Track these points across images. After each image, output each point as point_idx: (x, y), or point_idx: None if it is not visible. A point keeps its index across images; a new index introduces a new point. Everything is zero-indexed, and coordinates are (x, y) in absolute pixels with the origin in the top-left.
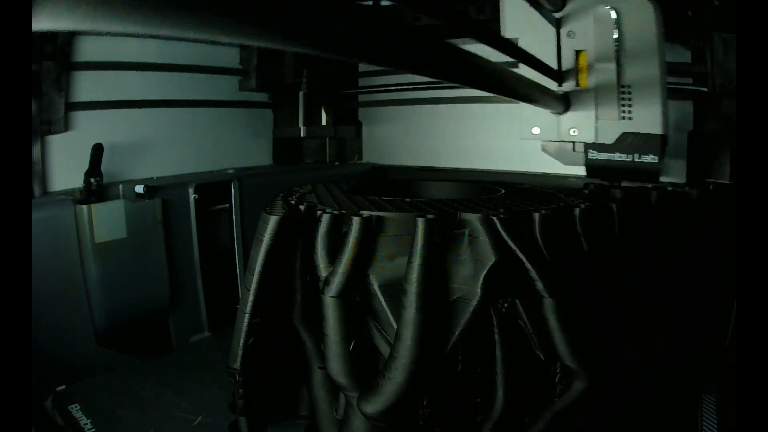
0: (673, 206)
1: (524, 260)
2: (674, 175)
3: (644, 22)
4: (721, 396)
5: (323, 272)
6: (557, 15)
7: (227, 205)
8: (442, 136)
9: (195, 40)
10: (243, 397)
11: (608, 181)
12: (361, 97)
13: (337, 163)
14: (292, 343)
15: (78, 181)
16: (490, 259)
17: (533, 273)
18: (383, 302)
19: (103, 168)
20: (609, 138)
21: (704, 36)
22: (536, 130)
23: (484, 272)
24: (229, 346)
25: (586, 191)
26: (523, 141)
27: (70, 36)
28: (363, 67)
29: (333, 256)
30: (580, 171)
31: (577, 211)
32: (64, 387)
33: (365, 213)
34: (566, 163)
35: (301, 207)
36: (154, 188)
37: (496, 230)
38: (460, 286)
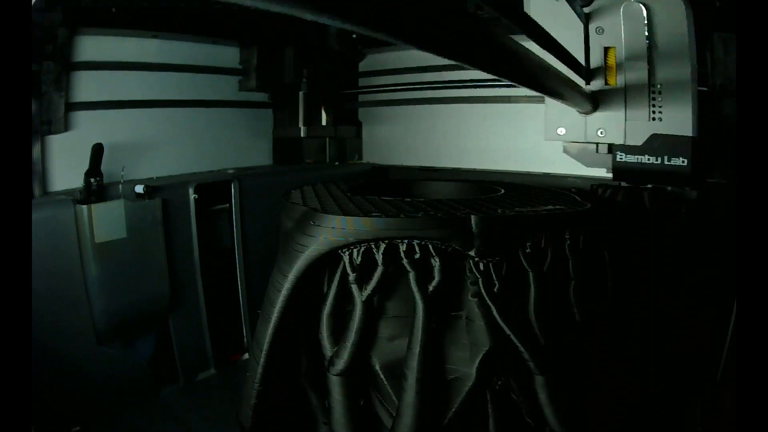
0: (671, 207)
1: (518, 344)
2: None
3: (676, 19)
4: None
5: (328, 351)
6: (586, 10)
7: (227, 205)
8: (442, 136)
9: (195, 30)
10: None
11: (634, 184)
12: (361, 97)
13: (337, 163)
14: (299, 398)
15: (78, 181)
16: (486, 344)
17: (526, 355)
18: (384, 381)
19: (103, 168)
20: (638, 139)
21: (704, 36)
22: (561, 131)
23: (480, 357)
24: (236, 380)
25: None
26: (524, 141)
27: (70, 36)
28: (363, 67)
29: (337, 337)
30: (583, 171)
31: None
32: (78, 428)
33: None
34: (589, 164)
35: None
36: (154, 188)
37: (491, 315)
38: (456, 367)
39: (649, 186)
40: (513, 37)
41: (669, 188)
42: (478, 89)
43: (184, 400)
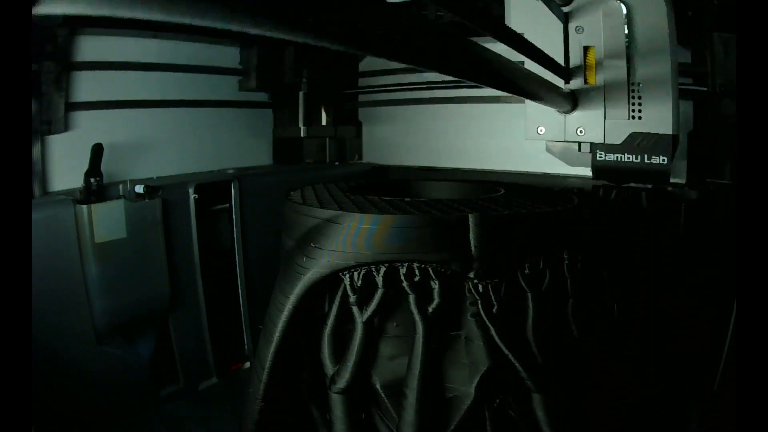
0: (671, 207)
1: (516, 363)
2: (674, 175)
3: (656, 18)
4: None
5: (330, 370)
6: (565, 9)
7: (227, 205)
8: (442, 136)
9: (195, 31)
10: None
11: (615, 183)
12: (361, 97)
13: (337, 163)
14: (301, 412)
15: (78, 181)
16: (485, 363)
17: (524, 373)
18: (385, 399)
19: (103, 168)
20: (617, 138)
21: (704, 36)
22: (542, 130)
23: (479, 376)
24: (238, 390)
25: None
26: (524, 141)
27: (70, 36)
28: (363, 67)
29: (338, 356)
30: (584, 172)
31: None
32: None
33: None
34: (571, 164)
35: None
36: (154, 188)
37: (490, 335)
38: (455, 386)
39: (649, 186)
40: (482, 40)
41: (669, 188)
42: (478, 89)
43: (186, 410)
